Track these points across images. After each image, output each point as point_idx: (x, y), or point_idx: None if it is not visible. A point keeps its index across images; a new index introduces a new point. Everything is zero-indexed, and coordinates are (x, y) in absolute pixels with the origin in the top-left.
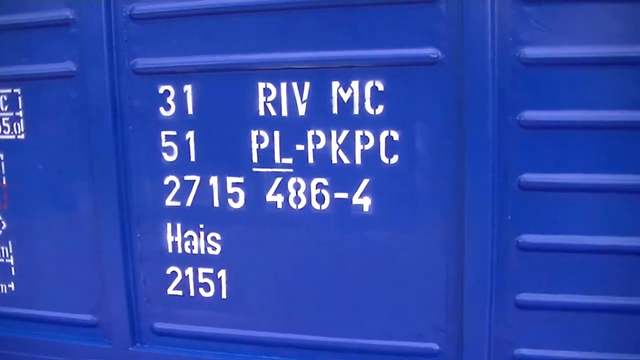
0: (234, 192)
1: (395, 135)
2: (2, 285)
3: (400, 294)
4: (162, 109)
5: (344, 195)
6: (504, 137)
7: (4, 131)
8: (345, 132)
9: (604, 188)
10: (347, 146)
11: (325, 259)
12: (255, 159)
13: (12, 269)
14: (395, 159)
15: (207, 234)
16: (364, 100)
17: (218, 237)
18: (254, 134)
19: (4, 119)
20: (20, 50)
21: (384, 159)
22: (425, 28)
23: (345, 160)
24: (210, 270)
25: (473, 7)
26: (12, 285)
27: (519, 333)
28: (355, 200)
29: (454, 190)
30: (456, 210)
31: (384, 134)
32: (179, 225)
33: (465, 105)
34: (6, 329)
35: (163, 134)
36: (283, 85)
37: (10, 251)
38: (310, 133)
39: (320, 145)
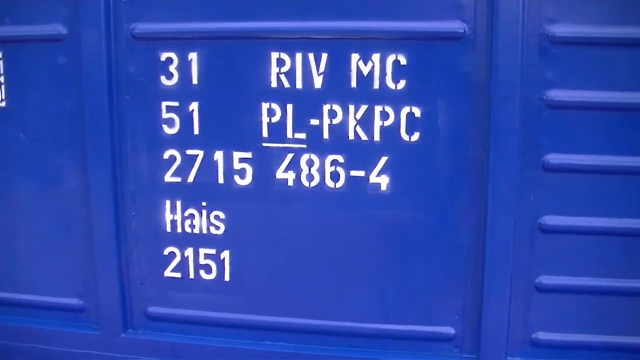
0: (240, 168)
1: (417, 112)
2: None
3: (417, 276)
4: (163, 78)
5: (361, 173)
6: (529, 117)
7: None
8: (363, 107)
9: (629, 170)
10: (366, 122)
11: (338, 240)
12: (265, 134)
13: None
14: (416, 136)
15: (210, 212)
16: (385, 75)
17: (222, 215)
18: (264, 106)
19: None
20: (3, 10)
21: (404, 136)
22: (452, 1)
23: (363, 137)
24: (213, 251)
25: None
26: None
27: (538, 316)
28: (372, 178)
29: (476, 170)
30: (479, 190)
31: (405, 110)
32: (178, 203)
33: (492, 83)
34: None
35: (164, 104)
36: (298, 56)
37: None
38: (326, 107)
39: (336, 121)
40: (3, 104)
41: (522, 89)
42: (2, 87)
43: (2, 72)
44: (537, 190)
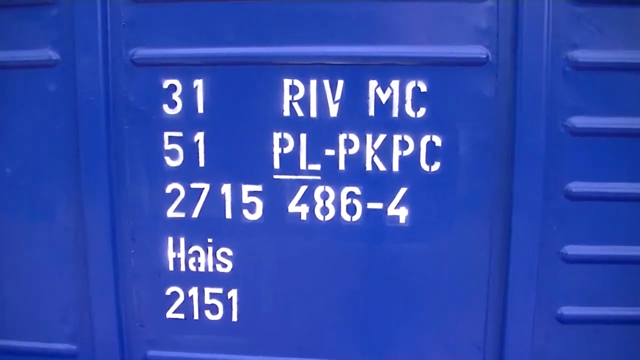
0: (250, 201)
1: (438, 141)
2: None
3: (436, 310)
4: (165, 107)
5: (378, 205)
6: (552, 144)
7: None
8: (382, 137)
9: None
10: (384, 152)
11: (355, 276)
12: (276, 165)
13: None
14: (436, 166)
15: (217, 249)
16: (405, 102)
17: (229, 252)
18: (276, 136)
19: None
20: None
21: (424, 166)
22: (474, 26)
23: (381, 167)
24: (219, 290)
25: (528, 6)
26: None
27: (560, 348)
28: (391, 211)
29: (499, 201)
30: (501, 222)
31: (425, 139)
32: (182, 240)
33: (515, 110)
34: None
35: (166, 134)
36: (313, 83)
37: None
38: (342, 137)
39: (353, 151)
40: None
41: (546, 116)
42: None
43: None
44: (560, 219)
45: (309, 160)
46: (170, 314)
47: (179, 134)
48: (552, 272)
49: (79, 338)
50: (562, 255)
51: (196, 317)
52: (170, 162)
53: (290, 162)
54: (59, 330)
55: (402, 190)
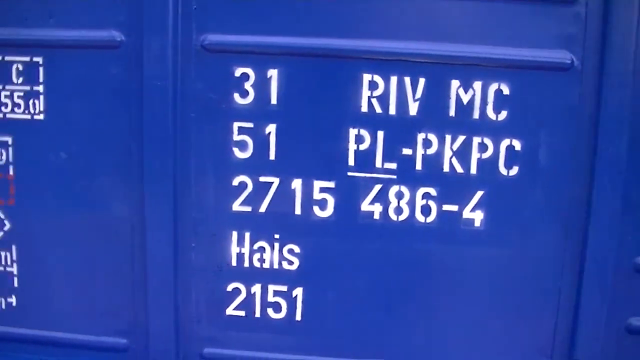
0: (321, 198)
1: (517, 145)
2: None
3: (505, 318)
4: (236, 96)
5: (454, 207)
6: (635, 154)
7: (16, 109)
8: (461, 138)
9: None
10: (462, 153)
11: (426, 278)
12: (351, 162)
13: (15, 279)
14: (514, 170)
15: (284, 245)
16: (486, 104)
17: (297, 249)
18: (352, 132)
19: (16, 94)
20: (46, 10)
21: (502, 170)
22: (560, 30)
23: (459, 169)
24: (284, 288)
25: (618, 13)
26: (13, 300)
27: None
28: (466, 213)
29: (576, 209)
30: (577, 231)
31: (504, 143)
32: (247, 235)
33: (599, 118)
34: (5, 355)
35: (235, 125)
36: (393, 79)
37: (14, 257)
38: (420, 136)
39: (431, 151)
40: (41, 116)
41: (630, 125)
42: (41, 97)
43: (41, 80)
44: (635, 229)
45: (385, 159)
46: (230, 311)
47: (250, 124)
48: (624, 282)
49: (132, 332)
50: (635, 265)
51: (258, 314)
52: (238, 154)
53: (365, 159)
54: (110, 324)
55: (479, 194)
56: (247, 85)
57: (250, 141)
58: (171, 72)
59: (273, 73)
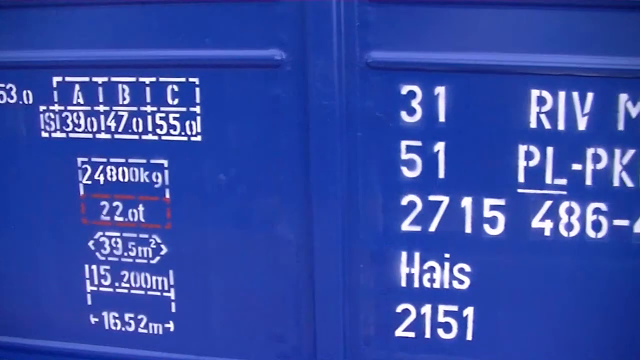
0: (491, 216)
1: None
2: (156, 325)
3: None
4: (404, 114)
5: (625, 222)
6: None
7: (171, 130)
8: (630, 152)
9: None
10: (632, 168)
11: (599, 294)
12: (521, 179)
13: (172, 304)
14: None
15: (454, 265)
16: None
17: (467, 268)
18: (522, 149)
19: (171, 115)
20: (201, 30)
21: None
22: None
23: (629, 184)
24: (455, 308)
25: None
26: (170, 325)
27: None
28: (637, 228)
29: None
30: None
31: None
32: (417, 255)
33: None
34: None
35: (403, 143)
36: (561, 94)
37: (171, 282)
38: (589, 151)
39: (600, 166)
40: (198, 138)
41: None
42: (197, 118)
43: (198, 101)
44: None
45: (555, 175)
46: (399, 332)
47: (418, 143)
48: None
49: (297, 357)
50: None
51: (428, 335)
52: (407, 173)
53: (535, 175)
54: (274, 348)
55: None
56: (414, 103)
57: (419, 160)
58: (337, 91)
59: (440, 90)
